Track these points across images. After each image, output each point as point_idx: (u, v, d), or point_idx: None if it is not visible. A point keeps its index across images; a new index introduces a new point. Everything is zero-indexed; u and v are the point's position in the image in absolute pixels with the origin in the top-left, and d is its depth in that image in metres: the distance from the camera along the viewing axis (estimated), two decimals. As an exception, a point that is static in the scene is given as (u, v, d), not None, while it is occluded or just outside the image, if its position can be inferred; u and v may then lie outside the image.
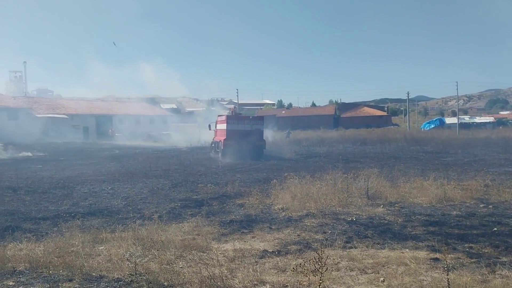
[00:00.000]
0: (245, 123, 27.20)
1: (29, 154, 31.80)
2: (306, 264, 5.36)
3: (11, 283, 5.63)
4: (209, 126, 31.57)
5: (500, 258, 6.45)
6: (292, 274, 5.72)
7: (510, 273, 5.63)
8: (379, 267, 6.10)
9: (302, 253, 6.92)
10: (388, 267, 6.08)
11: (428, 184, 12.34)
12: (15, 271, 6.12)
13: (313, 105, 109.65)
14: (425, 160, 23.80)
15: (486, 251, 6.88)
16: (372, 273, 5.89)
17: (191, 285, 5.41)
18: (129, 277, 5.76)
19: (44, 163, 24.69)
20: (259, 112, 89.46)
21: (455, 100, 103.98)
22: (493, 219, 9.21)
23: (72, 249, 7.08)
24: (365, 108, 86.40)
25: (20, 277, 5.85)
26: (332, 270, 5.85)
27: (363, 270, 6.01)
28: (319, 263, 4.77)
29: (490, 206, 10.50)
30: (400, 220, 9.18)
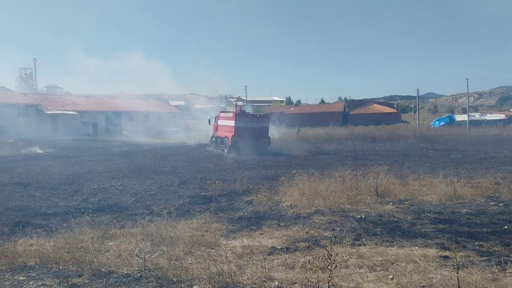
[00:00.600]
0: (252, 121, 28.04)
1: (39, 150, 32.04)
2: (315, 261, 5.36)
3: (22, 278, 5.68)
4: (209, 121, 32.91)
5: (510, 257, 6.38)
6: (301, 271, 5.72)
7: (521, 272, 5.57)
8: (388, 264, 6.08)
9: (310, 250, 6.91)
10: (397, 265, 6.05)
11: (438, 181, 12.26)
12: (25, 266, 6.18)
13: (322, 102, 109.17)
14: (434, 157, 23.64)
15: (497, 249, 6.82)
16: (381, 270, 5.87)
17: (199, 281, 5.42)
18: (138, 272, 5.79)
19: (54, 159, 24.86)
20: (267, 109, 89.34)
21: (465, 97, 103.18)
22: (504, 217, 9.12)
23: (82, 244, 7.12)
24: (375, 105, 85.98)
25: (30, 272, 5.90)
26: (341, 268, 5.83)
27: (372, 267, 5.98)
28: (328, 260, 4.76)
29: (501, 204, 10.41)
30: (409, 217, 9.13)
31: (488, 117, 76.06)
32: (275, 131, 46.18)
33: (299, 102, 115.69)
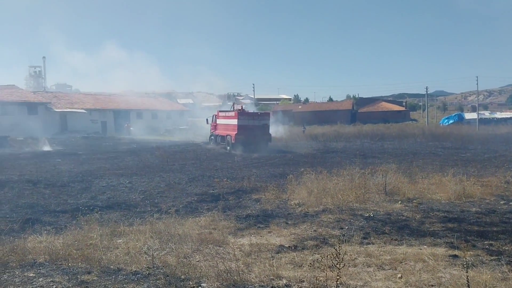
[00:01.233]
0: (254, 119, 29.32)
1: (48, 148, 32.26)
2: (323, 260, 5.34)
3: (31, 275, 5.72)
4: (207, 120, 34.04)
5: (521, 256, 6.32)
6: (309, 269, 5.71)
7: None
8: (397, 263, 6.05)
9: (318, 248, 6.90)
10: (405, 264, 6.02)
11: (447, 180, 12.18)
12: (35, 263, 6.23)
13: (330, 100, 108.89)
14: (443, 156, 23.49)
15: (507, 248, 6.76)
16: (389, 269, 5.84)
17: (207, 279, 5.43)
18: (147, 270, 5.81)
19: (63, 157, 25.02)
20: (275, 107, 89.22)
21: (475, 95, 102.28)
22: (514, 216, 9.04)
23: (91, 242, 7.16)
24: (383, 103, 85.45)
25: (40, 269, 5.95)
26: (349, 266, 5.81)
27: (380, 266, 5.96)
28: (336, 259, 4.75)
29: (511, 203, 10.32)
30: (418, 216, 9.08)
31: (498, 115, 75.20)
32: (281, 129, 46.25)
33: (307, 100, 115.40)
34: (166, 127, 57.56)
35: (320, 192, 11.00)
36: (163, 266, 5.92)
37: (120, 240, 7.40)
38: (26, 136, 36.69)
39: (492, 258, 6.26)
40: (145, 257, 6.25)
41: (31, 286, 5.33)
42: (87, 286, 5.30)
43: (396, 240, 7.37)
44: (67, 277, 5.58)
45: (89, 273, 5.75)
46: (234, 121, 28.55)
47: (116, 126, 54.90)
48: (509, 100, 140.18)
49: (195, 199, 11.57)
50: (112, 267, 5.99)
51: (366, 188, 11.37)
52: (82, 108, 51.84)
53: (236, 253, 6.51)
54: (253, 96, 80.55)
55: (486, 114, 75.89)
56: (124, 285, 5.32)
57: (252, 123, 28.76)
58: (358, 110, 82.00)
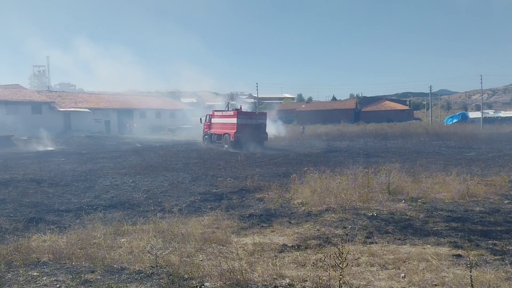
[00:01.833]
0: (252, 118, 31.09)
1: (52, 147, 32.39)
2: (326, 259, 5.34)
3: (35, 273, 5.75)
4: (200, 119, 35.20)
5: (525, 256, 6.30)
6: (312, 268, 5.71)
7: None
8: (400, 263, 6.04)
9: (321, 248, 6.89)
10: (409, 263, 6.01)
11: (451, 179, 12.15)
12: (39, 261, 6.26)
13: (334, 99, 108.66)
14: (447, 155, 23.43)
15: (511, 248, 6.73)
16: (392, 268, 5.83)
17: (210, 278, 5.44)
18: (150, 269, 5.82)
19: (67, 156, 25.11)
20: (278, 106, 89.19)
21: (479, 94, 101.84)
22: (518, 215, 9.01)
23: (94, 241, 7.19)
24: (387, 102, 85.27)
25: (44, 268, 5.98)
26: (352, 265, 5.81)
27: (383, 265, 5.95)
28: (340, 258, 4.74)
29: (515, 203, 10.28)
30: (421, 215, 9.06)
31: (503, 114, 74.86)
32: (285, 129, 46.27)
33: (310, 99, 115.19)
34: (170, 126, 57.67)
35: (324, 191, 10.99)
36: (166, 265, 5.94)
37: (123, 239, 7.42)
38: (30, 135, 36.85)
39: (496, 257, 6.23)
40: (148, 256, 6.27)
41: (35, 285, 5.36)
42: (90, 285, 5.32)
43: (399, 239, 7.36)
44: (71, 276, 5.61)
45: (92, 272, 5.77)
46: (233, 120, 29.90)
47: (120, 125, 55.07)
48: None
49: (198, 198, 11.59)
50: (115, 266, 6.00)
51: (369, 187, 11.36)
52: (86, 108, 52.00)
53: (239, 252, 6.52)
54: (256, 95, 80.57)
55: (491, 113, 75.58)
56: (128, 284, 5.34)
57: (250, 122, 30.44)
58: (362, 109, 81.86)
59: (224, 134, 30.75)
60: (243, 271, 5.48)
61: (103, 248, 6.69)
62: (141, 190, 12.73)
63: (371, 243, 7.16)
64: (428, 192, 11.30)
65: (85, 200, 11.53)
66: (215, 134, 32.31)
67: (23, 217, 9.11)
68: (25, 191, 12.84)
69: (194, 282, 5.34)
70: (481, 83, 71.79)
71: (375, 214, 9.17)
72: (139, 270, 5.83)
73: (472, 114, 74.13)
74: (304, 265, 6.02)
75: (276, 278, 5.46)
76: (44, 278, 5.56)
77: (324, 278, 5.18)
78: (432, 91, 78.16)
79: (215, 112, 33.44)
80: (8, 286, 5.31)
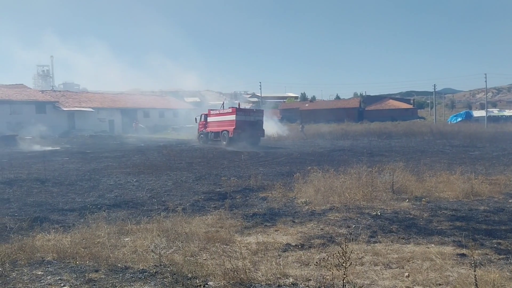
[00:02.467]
0: (250, 115, 32.36)
1: (56, 147, 32.49)
2: (329, 258, 5.33)
3: (39, 273, 5.76)
4: (195, 119, 36.54)
5: (530, 255, 6.27)
6: (316, 267, 5.70)
7: (541, 270, 5.47)
8: (404, 262, 6.02)
9: (325, 247, 6.88)
10: (413, 262, 5.99)
11: (455, 178, 12.11)
12: (43, 261, 6.27)
13: (337, 98, 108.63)
14: (451, 154, 23.35)
15: (515, 247, 6.71)
16: (396, 268, 5.82)
17: (214, 277, 5.44)
18: (154, 268, 5.83)
19: (71, 155, 25.18)
20: (282, 105, 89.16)
21: (483, 93, 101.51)
22: (523, 214, 8.97)
23: (98, 240, 7.20)
24: (391, 101, 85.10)
25: (48, 267, 5.99)
26: (356, 265, 5.79)
27: (387, 265, 5.93)
28: (343, 257, 4.73)
29: (520, 202, 10.24)
30: (425, 214, 9.04)
31: (507, 112, 74.45)
32: (288, 128, 46.25)
33: (314, 98, 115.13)
34: (173, 126, 57.77)
35: (327, 190, 10.98)
36: (170, 265, 5.94)
37: (127, 239, 7.43)
38: (34, 135, 37.01)
39: (500, 257, 6.21)
40: (152, 256, 6.28)
41: (39, 284, 5.37)
42: (94, 284, 5.33)
43: (403, 238, 7.34)
44: (75, 275, 5.62)
45: (96, 271, 5.78)
46: (232, 117, 31.24)
47: (124, 124, 55.21)
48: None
49: (202, 197, 11.59)
50: (119, 265, 6.01)
51: (373, 186, 11.34)
52: (89, 107, 52.14)
53: (242, 251, 6.52)
54: (259, 94, 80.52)
55: (495, 111, 75.26)
56: (132, 283, 5.34)
57: (248, 119, 31.81)
58: (365, 108, 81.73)
59: (222, 131, 31.91)
60: (246, 270, 5.48)
61: (107, 247, 6.70)
62: (145, 189, 12.75)
63: (375, 242, 7.14)
64: (432, 191, 11.26)
65: (89, 199, 11.55)
66: (212, 132, 33.47)
67: (27, 217, 9.14)
68: (30, 190, 12.88)
69: (197, 281, 5.34)
70: (486, 81, 70.93)
71: (379, 213, 9.15)
72: (143, 269, 5.83)
73: (477, 113, 73.82)
74: (308, 264, 6.02)
75: (280, 277, 5.45)
76: (49, 277, 5.58)
77: (328, 277, 5.18)
78: (436, 90, 77.87)
79: (211, 111, 34.47)
80: (12, 285, 5.33)
